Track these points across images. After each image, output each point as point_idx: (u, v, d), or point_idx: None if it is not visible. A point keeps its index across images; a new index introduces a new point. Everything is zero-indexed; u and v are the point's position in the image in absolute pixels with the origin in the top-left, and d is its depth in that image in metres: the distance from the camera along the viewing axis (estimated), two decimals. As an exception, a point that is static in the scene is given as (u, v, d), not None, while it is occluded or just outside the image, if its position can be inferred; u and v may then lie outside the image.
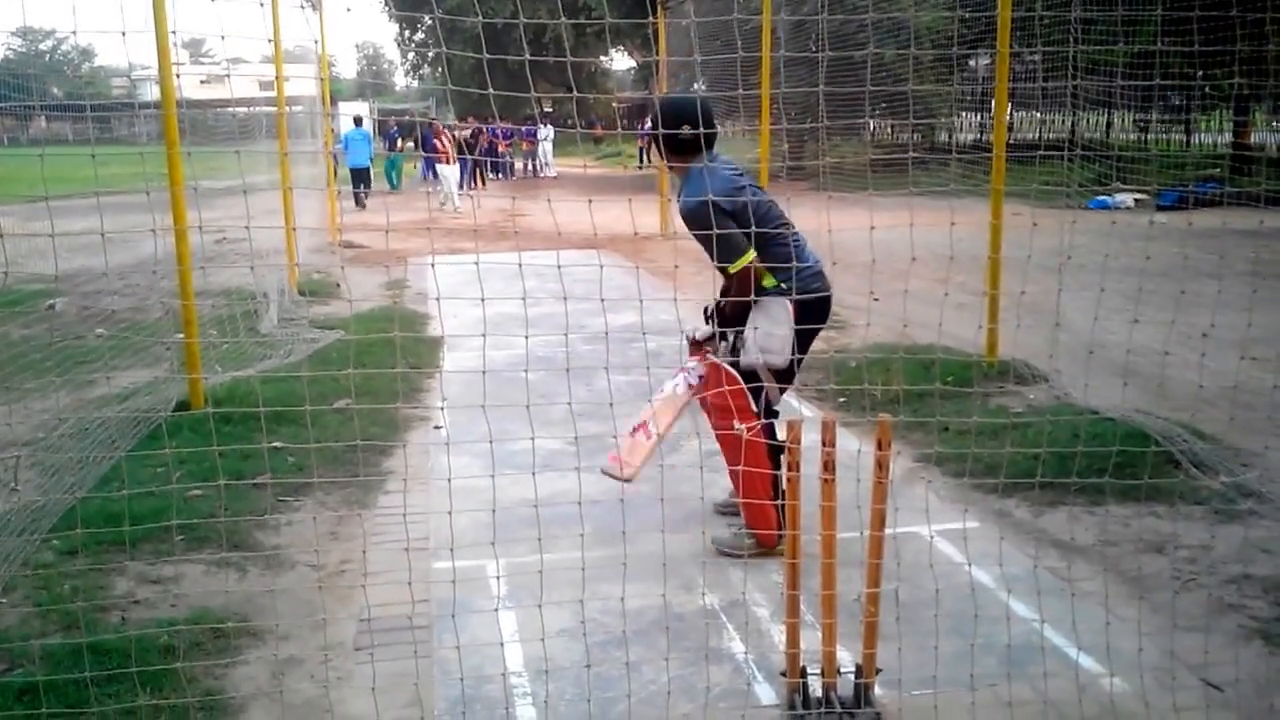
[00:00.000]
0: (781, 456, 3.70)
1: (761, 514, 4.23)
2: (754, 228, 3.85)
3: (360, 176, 21.94)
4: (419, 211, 18.79)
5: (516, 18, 2.89)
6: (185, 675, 3.22)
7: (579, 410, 5.19)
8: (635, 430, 4.22)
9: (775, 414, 4.27)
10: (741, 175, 4.28)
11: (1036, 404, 6.11)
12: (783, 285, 4.08)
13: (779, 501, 4.01)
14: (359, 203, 21.38)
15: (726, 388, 4.10)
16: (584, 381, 6.00)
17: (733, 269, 4.07)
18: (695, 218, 3.90)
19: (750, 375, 4.14)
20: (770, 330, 4.07)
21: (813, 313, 4.08)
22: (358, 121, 22.43)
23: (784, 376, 4.22)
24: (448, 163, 20.57)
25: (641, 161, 32.64)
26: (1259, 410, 5.09)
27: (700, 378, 4.33)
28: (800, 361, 4.20)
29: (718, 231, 3.50)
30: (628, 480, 4.05)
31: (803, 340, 4.09)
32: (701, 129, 3.92)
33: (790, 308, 4.06)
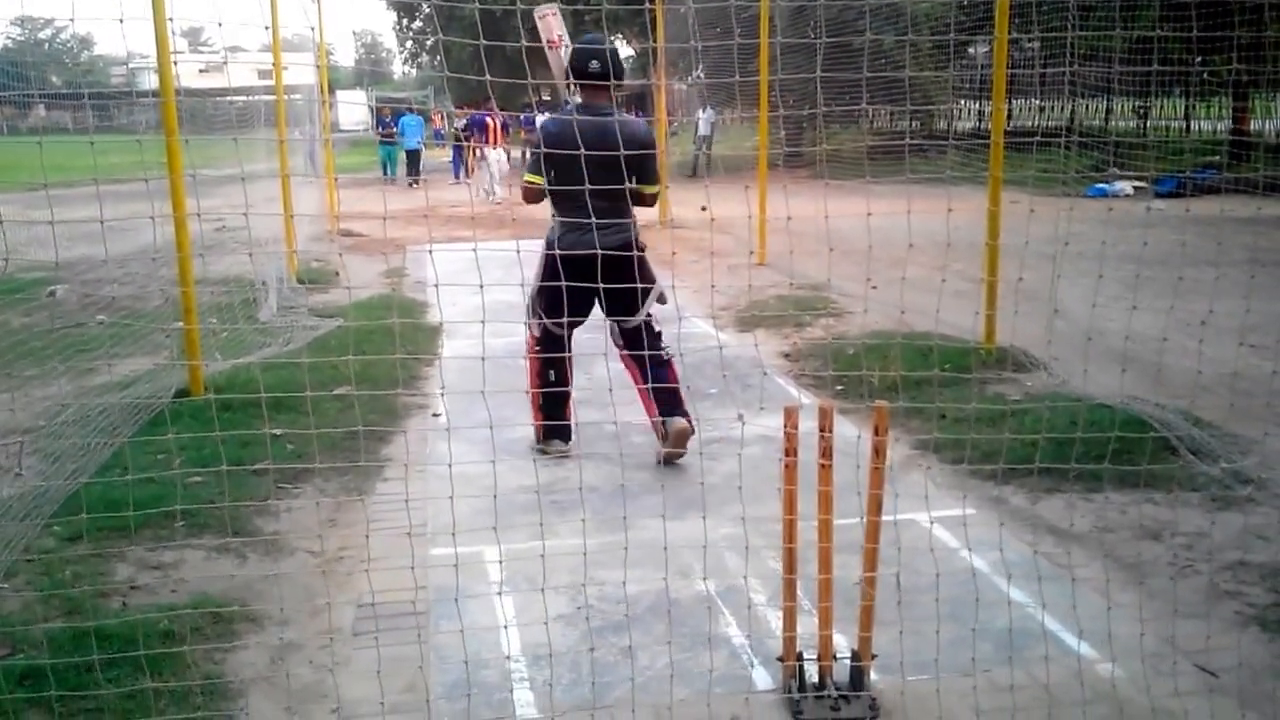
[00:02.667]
0: (551, 374, 5.09)
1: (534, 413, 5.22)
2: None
3: (414, 158, 24.81)
4: (421, 200, 18.77)
5: (515, 4, 2.88)
6: (186, 659, 3.24)
7: (577, 397, 5.25)
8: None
9: (554, 339, 4.99)
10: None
11: (1035, 391, 6.12)
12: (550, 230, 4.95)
13: (542, 409, 5.17)
14: (414, 181, 24.05)
15: None
16: (582, 369, 6.00)
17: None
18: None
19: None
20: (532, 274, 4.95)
21: (556, 268, 4.55)
22: (409, 109, 25.14)
23: (555, 312, 4.85)
24: (493, 146, 20.43)
25: None
26: (1257, 397, 5.10)
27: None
28: (578, 309, 4.99)
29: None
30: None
31: (571, 294, 4.48)
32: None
33: (541, 259, 4.94)
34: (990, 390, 6.22)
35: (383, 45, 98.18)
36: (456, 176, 25.61)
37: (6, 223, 2.86)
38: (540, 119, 4.93)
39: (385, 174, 25.41)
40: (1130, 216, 10.33)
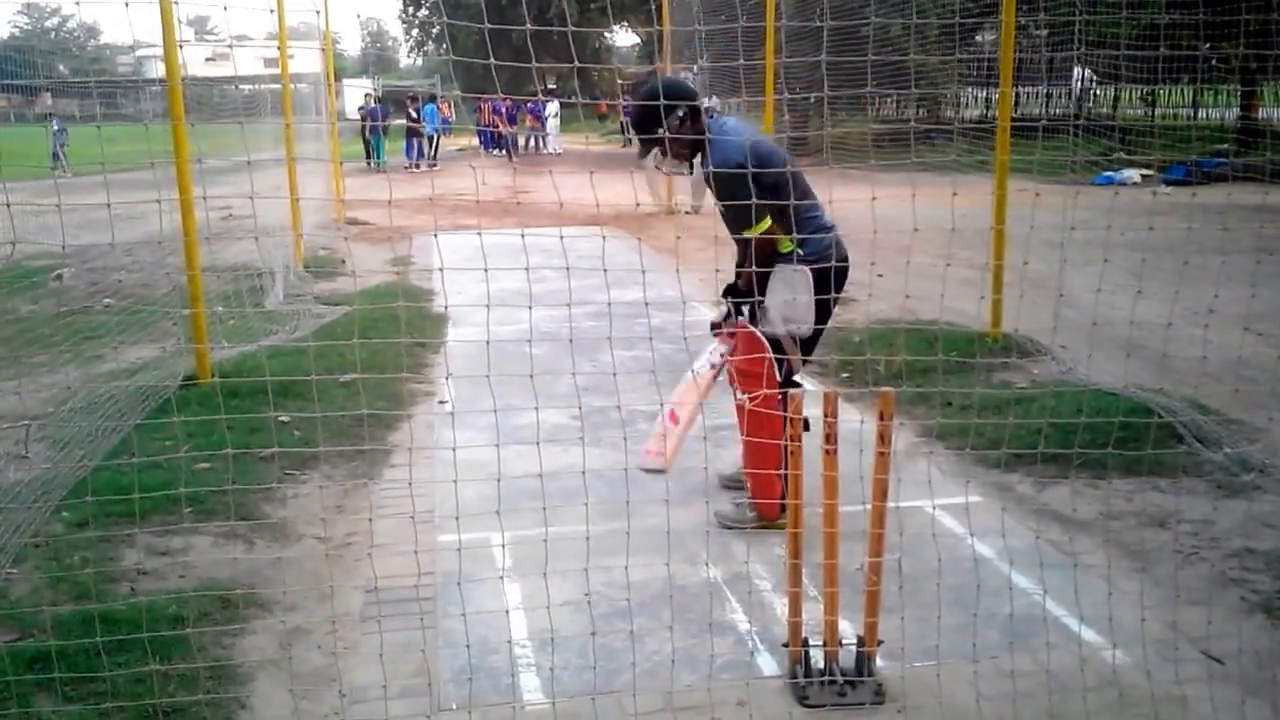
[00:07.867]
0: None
1: (767, 484, 4.22)
2: (775, 193, 3.79)
3: (432, 142, 27.12)
4: (428, 187, 18.76)
5: (520, -10, 2.88)
6: (194, 644, 3.27)
7: (583, 384, 5.24)
8: (663, 420, 4.29)
9: (796, 385, 4.18)
10: (762, 139, 4.25)
11: (1040, 378, 6.11)
12: (800, 251, 3.98)
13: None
14: (433, 164, 26.09)
15: (746, 355, 4.13)
16: (588, 356, 6.01)
17: (751, 233, 3.98)
18: (724, 182, 3.84)
19: (774, 344, 4.10)
20: (792, 298, 4.01)
21: (830, 282, 3.94)
22: (430, 98, 27.79)
23: (805, 346, 4.20)
24: None
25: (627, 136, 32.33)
26: (1263, 384, 5.10)
27: (722, 356, 4.32)
28: (821, 332, 4.19)
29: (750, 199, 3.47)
30: (663, 470, 4.10)
31: (822, 310, 4.06)
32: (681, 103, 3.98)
33: (809, 275, 3.96)
34: (996, 378, 6.22)
35: (389, 34, 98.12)
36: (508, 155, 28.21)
37: (14, 209, 2.87)
38: (711, 165, 3.94)
39: (370, 160, 26.11)
40: (1137, 203, 10.29)
